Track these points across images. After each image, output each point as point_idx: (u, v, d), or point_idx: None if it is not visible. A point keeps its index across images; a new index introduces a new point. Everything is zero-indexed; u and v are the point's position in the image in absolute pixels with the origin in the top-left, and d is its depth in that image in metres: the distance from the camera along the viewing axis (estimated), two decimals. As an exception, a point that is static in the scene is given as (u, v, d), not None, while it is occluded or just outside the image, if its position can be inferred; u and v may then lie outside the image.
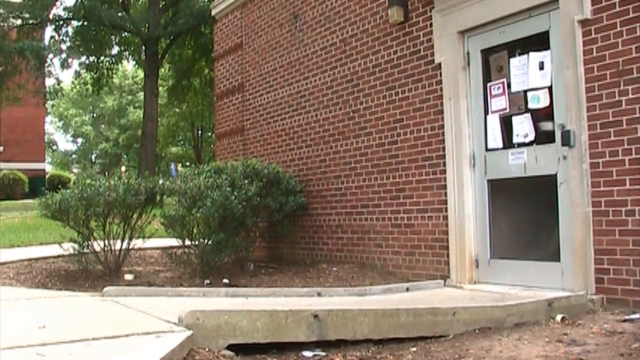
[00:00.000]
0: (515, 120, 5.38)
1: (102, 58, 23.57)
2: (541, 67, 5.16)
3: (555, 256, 5.00)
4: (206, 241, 6.69)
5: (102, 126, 50.33)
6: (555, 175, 5.00)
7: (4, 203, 21.30)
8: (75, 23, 22.70)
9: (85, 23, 21.99)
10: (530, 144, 5.26)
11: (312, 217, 7.67)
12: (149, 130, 21.85)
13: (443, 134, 5.89)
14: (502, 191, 5.57)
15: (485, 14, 5.57)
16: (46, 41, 22.50)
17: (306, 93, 7.85)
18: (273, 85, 8.52)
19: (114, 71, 25.37)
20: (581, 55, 4.75)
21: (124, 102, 45.78)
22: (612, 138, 4.56)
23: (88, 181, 6.76)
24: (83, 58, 23.30)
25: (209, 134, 34.53)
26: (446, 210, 5.84)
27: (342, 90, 7.22)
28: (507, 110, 5.46)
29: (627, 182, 4.47)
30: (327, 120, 7.46)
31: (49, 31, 23.31)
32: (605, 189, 4.60)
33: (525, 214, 5.55)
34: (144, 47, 22.39)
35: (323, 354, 3.47)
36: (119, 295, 4.73)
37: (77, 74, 24.59)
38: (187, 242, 6.82)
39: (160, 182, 7.19)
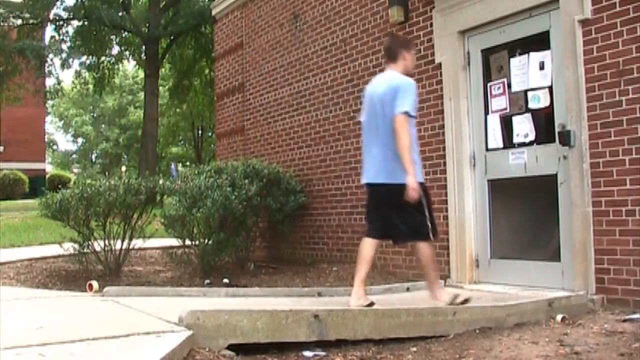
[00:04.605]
0: (516, 120, 5.38)
1: (102, 58, 23.55)
2: (541, 67, 5.16)
3: (555, 256, 5.00)
4: (206, 241, 6.70)
5: (103, 126, 50.29)
6: (556, 175, 5.00)
7: (4, 203, 21.27)
8: (75, 23, 22.69)
9: (86, 23, 21.96)
10: (531, 143, 5.26)
11: (313, 217, 7.67)
12: (149, 130, 21.83)
13: (443, 133, 5.89)
14: (502, 191, 5.57)
15: (485, 13, 5.57)
16: (46, 41, 22.48)
17: (306, 93, 7.85)
18: (273, 85, 8.52)
19: (115, 71, 25.34)
20: (581, 55, 4.75)
21: (124, 102, 45.74)
22: (613, 138, 4.56)
23: (88, 181, 6.77)
24: (83, 58, 23.30)
25: (209, 134, 34.47)
26: (446, 210, 5.84)
27: (343, 90, 7.22)
28: (508, 110, 5.46)
29: (628, 182, 4.46)
30: (328, 120, 7.46)
31: (49, 31, 23.33)
32: (606, 189, 4.59)
33: (525, 214, 5.55)
34: (144, 47, 22.38)
35: (323, 353, 3.47)
36: (119, 295, 4.72)
37: (78, 74, 24.56)
38: (188, 242, 6.83)
39: (161, 182, 7.20)
